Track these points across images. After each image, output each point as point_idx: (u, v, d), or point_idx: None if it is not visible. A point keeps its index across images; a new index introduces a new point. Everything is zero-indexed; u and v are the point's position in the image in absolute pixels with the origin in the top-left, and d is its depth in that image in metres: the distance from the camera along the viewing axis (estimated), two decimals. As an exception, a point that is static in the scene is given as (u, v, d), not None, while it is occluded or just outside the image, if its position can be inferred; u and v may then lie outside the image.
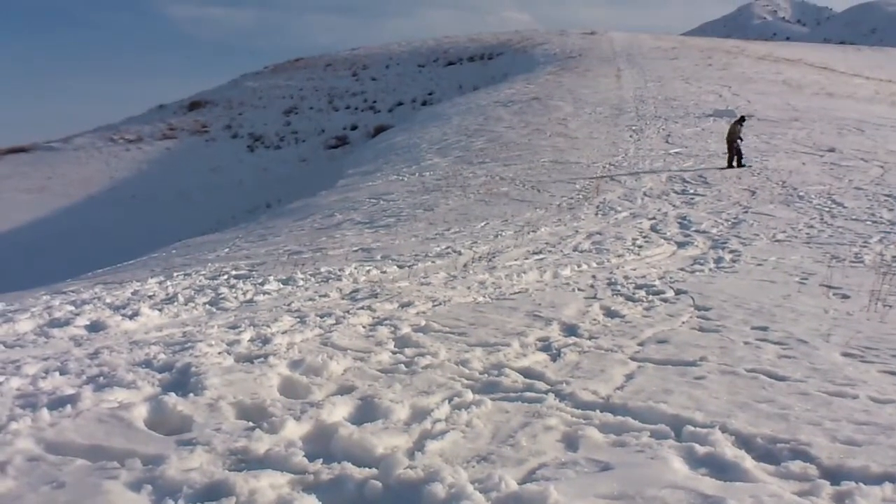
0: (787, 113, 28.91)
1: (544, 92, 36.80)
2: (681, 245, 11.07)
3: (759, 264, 9.22)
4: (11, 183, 44.62)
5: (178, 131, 54.29)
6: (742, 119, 20.84)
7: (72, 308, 8.12)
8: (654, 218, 14.01)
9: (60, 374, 4.50)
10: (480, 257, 10.83)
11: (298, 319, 6.51)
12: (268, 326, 6.14)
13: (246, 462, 3.10)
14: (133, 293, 9.33)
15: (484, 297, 7.56)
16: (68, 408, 3.64)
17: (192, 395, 3.96)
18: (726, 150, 19.92)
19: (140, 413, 3.63)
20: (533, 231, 13.41)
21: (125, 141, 52.31)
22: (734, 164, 19.57)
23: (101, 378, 4.37)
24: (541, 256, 10.71)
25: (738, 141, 19.69)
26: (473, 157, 24.46)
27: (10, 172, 46.46)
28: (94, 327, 6.70)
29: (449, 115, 35.16)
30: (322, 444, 3.38)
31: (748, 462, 3.17)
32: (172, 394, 3.93)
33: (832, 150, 21.36)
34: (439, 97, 50.66)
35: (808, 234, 11.83)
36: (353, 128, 51.22)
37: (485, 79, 51.14)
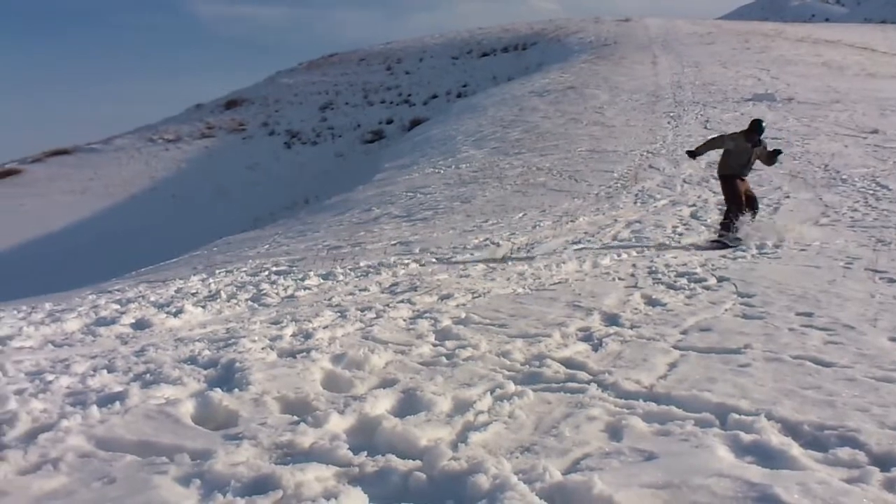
0: (828, 95, 28.39)
1: (580, 80, 36.54)
2: (722, 232, 10.92)
3: (803, 249, 9.08)
4: (55, 185, 45.42)
5: (216, 130, 54.82)
6: (755, 133, 10.59)
7: (117, 307, 8.26)
8: (694, 205, 13.87)
9: (108, 372, 4.58)
10: (519, 248, 10.81)
11: (339, 314, 6.56)
12: (309, 321, 6.19)
13: (291, 455, 3.14)
14: (176, 291, 9.46)
15: (523, 287, 7.55)
16: (117, 405, 3.71)
17: (237, 390, 4.01)
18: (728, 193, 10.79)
19: (187, 409, 3.69)
20: (571, 221, 13.35)
21: (164, 141, 52.97)
22: (734, 218, 10.43)
23: (148, 375, 4.45)
24: (580, 246, 10.66)
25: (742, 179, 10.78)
26: (509, 148, 24.38)
27: (53, 175, 47.31)
28: (140, 325, 6.81)
29: (484, 106, 35.08)
30: (366, 437, 3.40)
31: (795, 449, 3.13)
32: (218, 389, 3.99)
33: (875, 131, 20.93)
34: (474, 89, 50.49)
35: (852, 217, 11.63)
36: (389, 122, 51.30)
37: (519, 69, 50.91)
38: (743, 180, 10.82)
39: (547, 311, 6.28)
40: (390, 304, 6.91)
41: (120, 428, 3.40)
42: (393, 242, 12.67)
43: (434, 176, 22.16)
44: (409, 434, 3.33)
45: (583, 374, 4.35)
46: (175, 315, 7.09)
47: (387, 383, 4.26)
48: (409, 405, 3.84)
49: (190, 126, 55.91)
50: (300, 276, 9.46)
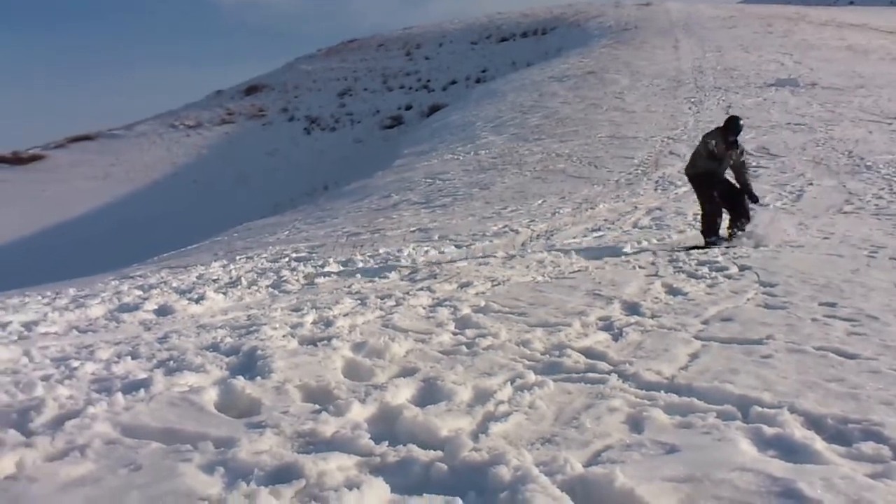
0: (853, 80, 28.05)
1: (600, 65, 36.31)
2: (743, 219, 10.82)
3: (826, 238, 9.01)
4: (78, 171, 45.77)
5: (236, 116, 54.98)
6: (731, 132, 9.32)
7: (140, 293, 8.34)
8: (715, 192, 13.74)
9: (132, 359, 4.63)
10: (538, 236, 10.79)
11: (359, 301, 6.58)
12: (329, 309, 6.22)
13: (314, 444, 3.15)
14: (198, 277, 9.53)
15: (543, 276, 7.54)
16: (141, 392, 3.75)
17: (259, 378, 4.04)
18: (706, 201, 9.50)
19: (210, 396, 3.72)
20: (591, 208, 13.31)
21: (185, 127, 53.20)
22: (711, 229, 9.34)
23: (171, 362, 4.49)
24: (600, 233, 10.63)
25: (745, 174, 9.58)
26: (529, 134, 24.30)
27: (76, 160, 47.65)
28: (162, 311, 6.87)
29: (503, 92, 34.95)
30: (387, 426, 3.41)
31: (818, 443, 3.11)
32: (240, 377, 4.02)
33: (900, 117, 20.68)
34: (493, 74, 50.29)
35: (876, 205, 11.51)
36: (408, 107, 51.23)
37: (538, 54, 50.62)
38: (714, 178, 9.39)
39: (567, 300, 6.27)
40: (410, 292, 6.93)
41: (145, 415, 3.44)
42: (412, 229, 12.69)
43: (453, 162, 22.13)
44: (430, 424, 3.34)
45: (603, 365, 4.34)
46: (197, 301, 7.14)
47: (407, 372, 4.27)
48: (430, 394, 3.84)
49: (210, 112, 56.10)
50: (320, 262, 9.50)
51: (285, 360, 4.37)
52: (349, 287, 7.64)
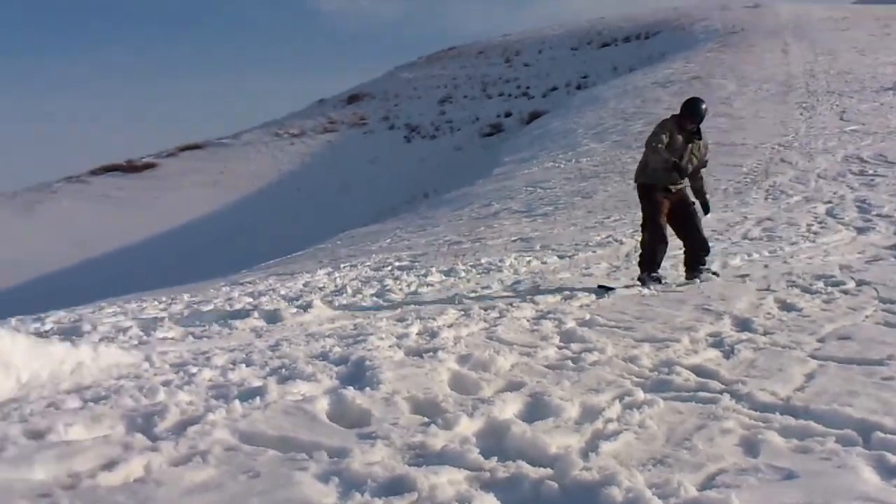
0: (978, 83, 26.55)
1: (705, 70, 35.45)
2: (861, 231, 10.41)
3: (951, 251, 8.55)
4: (188, 178, 47.49)
5: (338, 124, 56.03)
6: (690, 119, 7.53)
7: (250, 300, 8.62)
8: (830, 202, 13.23)
9: (246, 366, 4.78)
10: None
11: (463, 312, 6.62)
12: (434, 319, 6.28)
13: (423, 457, 3.19)
14: (304, 284, 9.78)
15: (649, 289, 7.42)
16: (257, 400, 3.87)
17: (368, 388, 4.11)
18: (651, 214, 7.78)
19: (322, 406, 3.81)
20: (697, 218, 13.01)
21: (289, 135, 54.53)
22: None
23: (283, 370, 4.61)
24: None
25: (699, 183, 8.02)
26: (632, 141, 23.91)
27: (186, 168, 49.47)
28: (272, 319, 7.08)
29: (605, 98, 34.54)
30: (495, 441, 3.42)
31: (948, 473, 2.96)
32: (350, 387, 4.10)
33: None
34: (594, 80, 49.72)
35: None
36: (507, 115, 51.16)
37: (641, 59, 49.77)
38: (673, 193, 7.62)
39: (674, 314, 6.15)
40: (513, 304, 6.93)
41: (261, 423, 3.55)
42: (513, 238, 12.68)
43: (554, 170, 22.01)
44: (538, 441, 3.33)
45: (714, 384, 4.23)
46: (305, 309, 7.32)
47: (513, 386, 4.27)
48: (537, 410, 3.84)
49: (313, 121, 57.35)
50: (423, 272, 9.61)
51: (393, 372, 4.43)
52: (452, 297, 7.70)
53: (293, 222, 36.74)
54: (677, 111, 7.68)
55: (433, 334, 5.65)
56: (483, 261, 10.18)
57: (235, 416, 3.62)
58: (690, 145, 7.56)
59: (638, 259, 7.93)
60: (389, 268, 10.68)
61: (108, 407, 3.79)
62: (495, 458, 3.15)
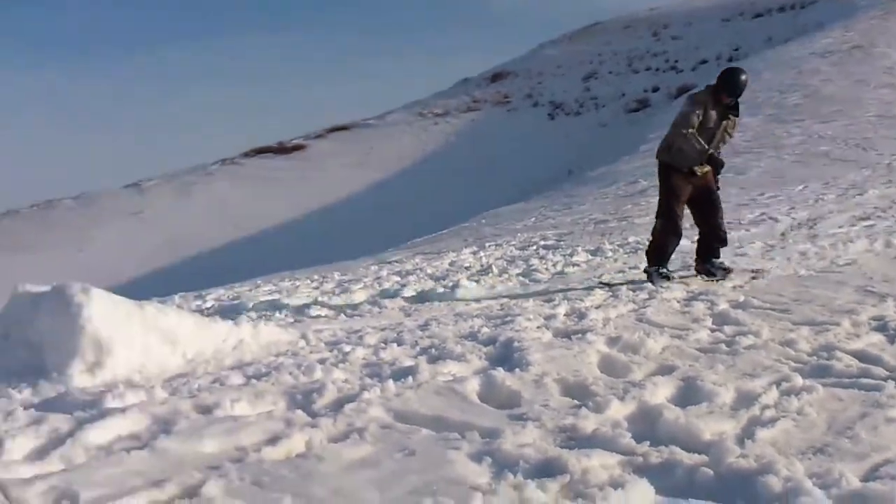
0: None
1: (867, 39, 33.24)
2: None
3: None
4: (335, 159, 48.98)
5: (482, 103, 56.27)
6: (728, 93, 6.80)
7: (398, 279, 8.83)
8: None
9: (397, 346, 4.91)
10: (800, 224, 10.15)
11: (611, 293, 6.55)
12: (581, 300, 6.24)
13: (575, 440, 3.19)
14: (450, 264, 9.93)
15: (806, 269, 7.09)
16: (409, 379, 3.96)
17: (517, 370, 4.14)
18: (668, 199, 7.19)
19: (472, 386, 3.86)
20: (859, 194, 12.30)
21: (433, 115, 55.25)
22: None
23: (433, 350, 4.71)
24: (870, 223, 9.80)
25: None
26: (787, 115, 22.83)
27: (334, 150, 51.03)
28: (420, 298, 7.23)
29: (757, 70, 32.94)
30: (646, 425, 3.37)
31: None
32: (500, 368, 4.14)
33: None
34: (746, 52, 47.63)
35: None
36: (655, 90, 49.87)
37: (796, 29, 47.22)
38: (697, 176, 6.94)
39: (834, 296, 5.86)
40: (663, 284, 6.78)
41: (414, 402, 3.64)
42: (661, 217, 12.38)
43: (703, 146, 21.28)
44: (692, 426, 3.27)
45: (878, 370, 4.02)
46: (451, 289, 7.43)
47: (664, 370, 4.20)
48: (689, 394, 3.76)
49: (457, 100, 57.83)
50: (568, 251, 9.56)
51: (541, 353, 4.44)
52: (599, 277, 7.62)
53: (437, 201, 37.23)
54: (713, 82, 6.91)
55: (581, 315, 5.62)
56: (630, 240, 10.01)
57: (389, 395, 3.72)
58: (725, 122, 6.84)
59: (647, 248, 7.28)
60: (535, 247, 10.67)
61: (269, 383, 3.96)
62: (647, 443, 3.10)
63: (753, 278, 6.87)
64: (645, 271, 7.12)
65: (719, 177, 7.17)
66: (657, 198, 7.42)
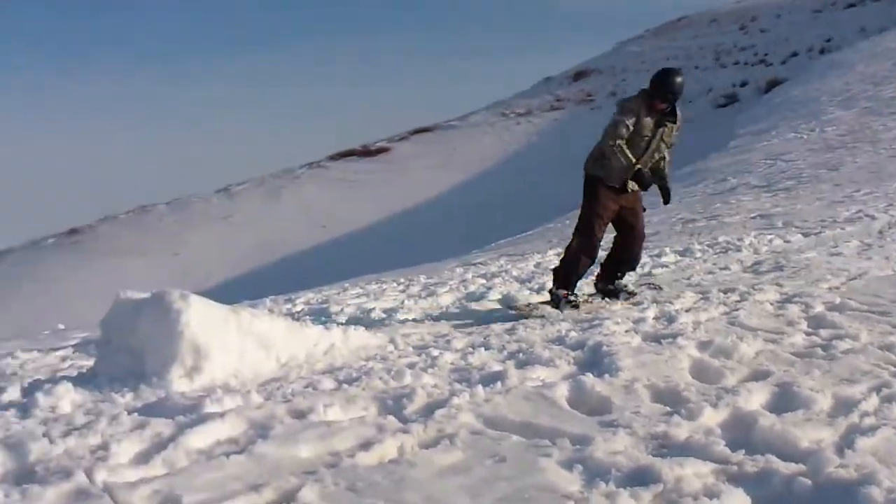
0: None
1: (972, 24, 31.74)
2: None
3: None
4: (419, 161, 49.25)
5: (565, 102, 55.79)
6: (662, 97, 6.01)
7: (483, 281, 8.85)
8: None
9: (485, 350, 4.91)
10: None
11: (701, 295, 6.42)
12: (670, 303, 6.14)
13: (667, 448, 3.16)
14: (535, 266, 9.90)
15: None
16: (498, 384, 3.97)
17: (607, 375, 4.11)
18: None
19: (562, 392, 3.85)
20: (966, 189, 11.75)
21: (516, 115, 55.03)
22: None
23: (521, 354, 4.70)
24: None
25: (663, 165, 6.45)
26: (884, 108, 21.93)
27: (416, 151, 51.33)
28: (506, 301, 7.22)
29: (851, 62, 31.85)
30: (741, 433, 3.32)
31: None
32: (589, 374, 4.11)
33: None
34: (838, 44, 45.94)
35: None
36: (743, 84, 48.56)
37: (892, 19, 45.36)
38: (629, 193, 6.32)
39: (939, 299, 5.62)
40: (755, 286, 6.61)
41: (503, 408, 3.66)
42: (752, 215, 12.07)
43: (796, 141, 20.66)
44: (788, 434, 3.21)
45: None
46: (537, 292, 7.41)
47: (758, 375, 4.11)
48: (785, 401, 3.68)
49: (539, 99, 57.49)
50: (656, 251, 9.39)
51: (631, 358, 4.40)
52: (688, 279, 7.49)
53: (521, 201, 37.07)
54: (646, 86, 6.13)
55: (671, 319, 5.53)
56: (720, 239, 9.79)
57: (479, 401, 3.74)
58: (661, 129, 6.10)
59: (554, 268, 6.60)
60: (621, 248, 10.52)
61: (360, 388, 4.02)
62: (742, 451, 3.06)
63: (651, 288, 6.66)
64: (550, 293, 6.47)
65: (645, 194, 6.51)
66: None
